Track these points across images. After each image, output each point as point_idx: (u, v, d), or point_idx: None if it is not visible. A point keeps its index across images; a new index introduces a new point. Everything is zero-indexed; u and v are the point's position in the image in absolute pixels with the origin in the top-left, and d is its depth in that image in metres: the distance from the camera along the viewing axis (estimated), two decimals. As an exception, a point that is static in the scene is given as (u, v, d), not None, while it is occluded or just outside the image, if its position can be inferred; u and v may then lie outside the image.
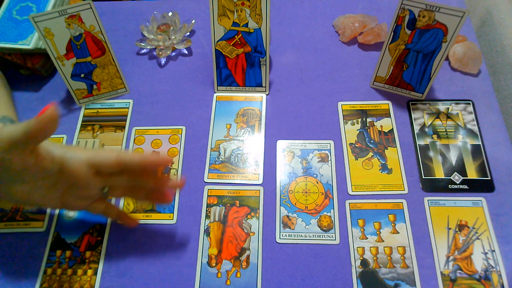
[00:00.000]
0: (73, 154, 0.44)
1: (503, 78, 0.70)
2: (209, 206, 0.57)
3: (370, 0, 0.77)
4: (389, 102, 0.65)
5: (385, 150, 0.60)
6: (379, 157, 0.60)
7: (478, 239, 0.53)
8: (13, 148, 0.39)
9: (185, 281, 0.52)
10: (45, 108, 0.38)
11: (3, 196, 0.45)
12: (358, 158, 0.60)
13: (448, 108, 0.63)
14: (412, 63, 0.61)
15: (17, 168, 0.41)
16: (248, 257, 0.53)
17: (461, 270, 0.51)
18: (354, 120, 0.63)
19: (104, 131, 0.64)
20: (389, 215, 0.55)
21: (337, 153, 0.60)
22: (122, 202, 0.58)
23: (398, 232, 0.54)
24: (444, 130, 0.61)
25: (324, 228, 0.55)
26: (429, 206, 0.55)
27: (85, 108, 0.66)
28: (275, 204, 0.57)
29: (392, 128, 0.62)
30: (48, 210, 0.57)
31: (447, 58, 0.68)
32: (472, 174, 0.57)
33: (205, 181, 0.59)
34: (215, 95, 0.67)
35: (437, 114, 0.63)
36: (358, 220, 0.55)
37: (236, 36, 0.62)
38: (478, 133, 0.61)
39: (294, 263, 0.52)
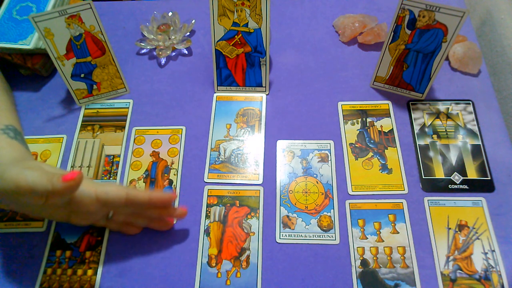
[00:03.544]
0: (82, 191, 0.46)
1: (503, 78, 0.70)
2: (209, 206, 0.57)
3: (370, 0, 0.77)
4: (389, 102, 0.65)
5: (385, 150, 0.60)
6: (379, 157, 0.60)
7: (478, 239, 0.53)
8: (31, 195, 0.41)
9: (185, 281, 0.52)
10: (72, 175, 0.40)
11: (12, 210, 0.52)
12: (358, 158, 0.60)
13: (448, 108, 0.63)
14: (412, 63, 0.61)
15: (29, 203, 0.44)
16: (248, 257, 0.53)
17: (461, 270, 0.51)
18: (354, 120, 0.63)
19: (104, 131, 0.64)
20: (389, 215, 0.55)
21: (337, 153, 0.60)
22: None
23: (398, 232, 0.54)
24: (444, 130, 0.61)
25: (324, 228, 0.55)
26: (429, 206, 0.55)
27: (85, 108, 0.66)
28: (275, 204, 0.57)
29: (392, 128, 0.62)
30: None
31: (447, 58, 0.68)
32: (472, 174, 0.57)
33: (205, 181, 0.59)
34: (215, 95, 0.67)
35: (437, 114, 0.63)
36: (358, 220, 0.55)
37: (236, 36, 0.62)
38: (478, 133, 0.61)
39: (294, 263, 0.52)
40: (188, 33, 0.74)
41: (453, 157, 0.59)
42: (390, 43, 0.60)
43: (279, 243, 0.54)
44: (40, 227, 0.56)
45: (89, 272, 0.53)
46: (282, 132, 0.63)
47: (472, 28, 0.71)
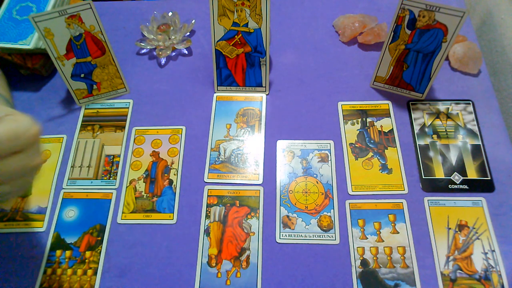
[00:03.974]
0: None
1: (503, 78, 0.70)
2: (209, 206, 0.57)
3: (370, 0, 0.77)
4: (389, 102, 0.65)
5: (385, 150, 0.60)
6: (379, 157, 0.60)
7: (478, 239, 0.53)
8: None
9: (185, 281, 0.52)
10: None
11: None
12: (358, 158, 0.60)
13: (448, 108, 0.63)
14: (412, 63, 0.61)
15: None
16: (248, 257, 0.53)
17: (461, 270, 0.51)
18: (354, 120, 0.63)
19: (104, 131, 0.64)
20: (389, 215, 0.55)
21: (337, 153, 0.60)
22: (122, 203, 0.58)
23: (398, 232, 0.54)
24: (444, 130, 0.61)
25: (324, 228, 0.55)
26: (429, 206, 0.55)
27: (85, 108, 0.66)
28: (275, 204, 0.57)
29: (392, 128, 0.62)
30: (48, 210, 0.57)
31: (447, 58, 0.68)
32: (472, 174, 0.57)
33: (205, 181, 0.59)
34: (215, 95, 0.67)
35: (437, 114, 0.63)
36: (358, 220, 0.55)
37: (236, 36, 0.62)
38: (478, 133, 0.61)
39: (294, 263, 0.52)
40: (188, 33, 0.74)
41: (453, 157, 0.59)
42: (390, 43, 0.60)
43: (279, 243, 0.54)
44: (40, 227, 0.56)
45: (89, 272, 0.53)
46: (282, 132, 0.63)
47: (472, 28, 0.71)
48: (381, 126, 0.62)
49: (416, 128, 0.62)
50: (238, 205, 0.57)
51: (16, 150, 0.38)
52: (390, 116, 0.63)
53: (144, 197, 0.58)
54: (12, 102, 0.55)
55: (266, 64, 0.64)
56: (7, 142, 0.37)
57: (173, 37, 0.71)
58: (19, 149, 0.39)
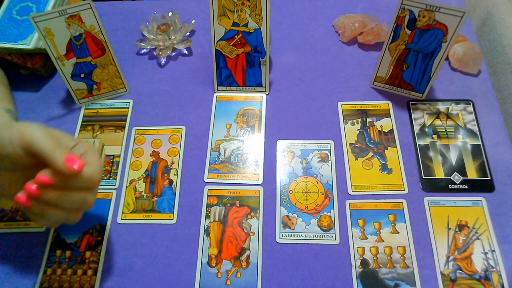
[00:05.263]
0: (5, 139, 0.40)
1: (503, 78, 0.70)
2: (209, 206, 0.57)
3: (370, 0, 0.77)
4: (389, 102, 0.65)
5: (385, 150, 0.60)
6: (379, 157, 0.60)
7: (478, 239, 0.53)
8: (23, 151, 0.40)
9: (185, 281, 0.52)
10: (76, 167, 0.40)
11: None
12: (358, 158, 0.60)
13: (448, 108, 0.63)
14: (412, 63, 0.61)
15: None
16: (248, 257, 0.53)
17: (461, 270, 0.51)
18: (354, 120, 0.63)
19: (104, 131, 0.64)
20: (389, 215, 0.55)
21: (337, 153, 0.60)
22: (122, 203, 0.58)
23: (398, 232, 0.54)
24: (444, 130, 0.61)
25: (324, 228, 0.55)
26: (429, 206, 0.55)
27: (85, 108, 0.66)
28: (275, 204, 0.57)
29: (392, 128, 0.62)
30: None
31: (447, 58, 0.68)
32: (472, 174, 0.57)
33: (205, 181, 0.59)
34: (215, 95, 0.67)
35: (437, 114, 0.63)
36: (358, 220, 0.55)
37: (236, 36, 0.62)
38: (478, 133, 0.61)
39: (294, 263, 0.52)
40: (188, 33, 0.74)
41: (453, 157, 0.59)
42: (390, 43, 0.60)
43: (279, 243, 0.54)
44: (40, 227, 0.56)
45: (89, 272, 0.53)
46: (282, 132, 0.63)
47: (472, 28, 0.71)
48: (381, 126, 0.62)
49: (416, 128, 0.62)
50: (238, 205, 0.57)
51: (87, 186, 0.42)
52: (390, 116, 0.63)
53: (144, 197, 0.58)
54: (16, 113, 0.57)
55: (266, 64, 0.64)
56: (88, 179, 0.41)
57: (173, 37, 0.71)
58: (89, 187, 0.42)
